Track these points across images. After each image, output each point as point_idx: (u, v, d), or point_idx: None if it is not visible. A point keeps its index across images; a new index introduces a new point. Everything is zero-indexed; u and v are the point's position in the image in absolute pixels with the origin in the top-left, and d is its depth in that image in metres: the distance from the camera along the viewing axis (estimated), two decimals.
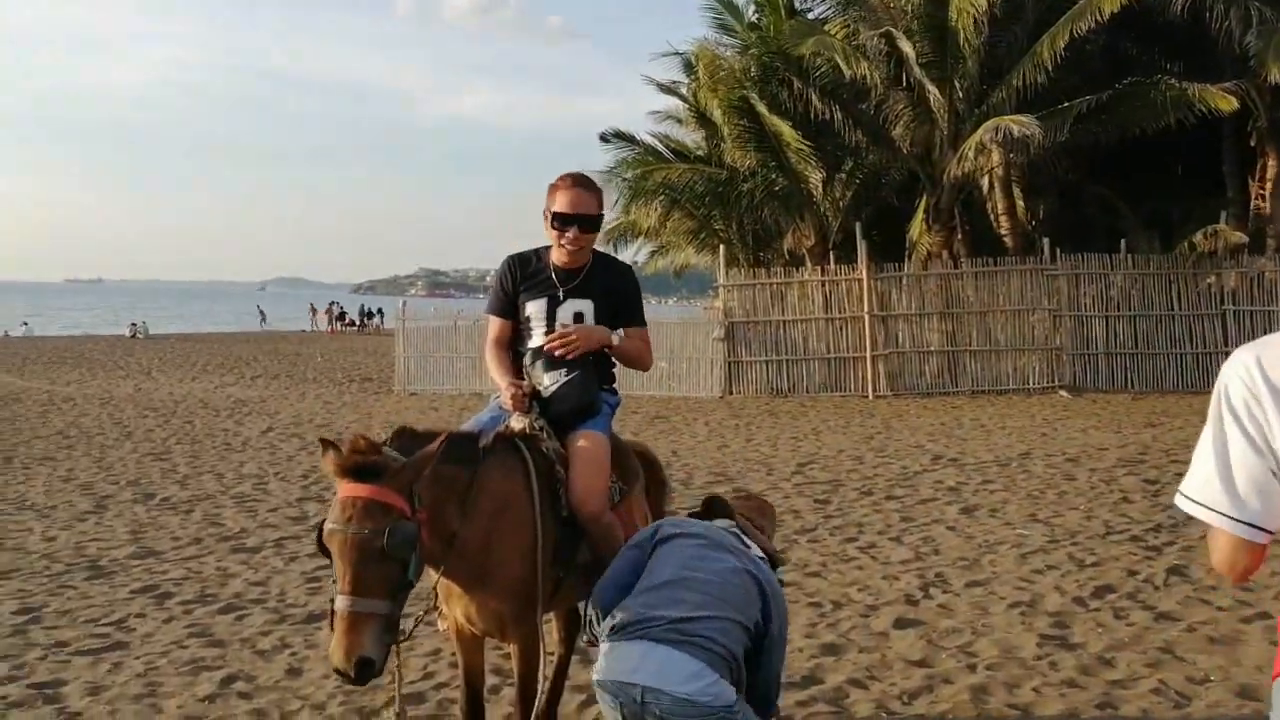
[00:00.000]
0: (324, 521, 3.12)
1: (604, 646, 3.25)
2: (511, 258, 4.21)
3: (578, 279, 4.07)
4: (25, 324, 53.35)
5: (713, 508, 3.93)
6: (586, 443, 3.87)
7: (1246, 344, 1.91)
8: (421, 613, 3.73)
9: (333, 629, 3.09)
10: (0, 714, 4.89)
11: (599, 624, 3.36)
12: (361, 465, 3.11)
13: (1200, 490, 1.90)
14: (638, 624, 3.20)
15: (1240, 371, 1.86)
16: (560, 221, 3.97)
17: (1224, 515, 1.86)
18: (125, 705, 4.98)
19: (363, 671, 3.03)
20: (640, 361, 4.25)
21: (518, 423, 3.90)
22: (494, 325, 4.20)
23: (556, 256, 4.08)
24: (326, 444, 3.26)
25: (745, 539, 3.66)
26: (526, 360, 4.06)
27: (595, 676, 3.20)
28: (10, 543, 8.32)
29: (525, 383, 3.94)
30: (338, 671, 3.06)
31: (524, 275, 4.13)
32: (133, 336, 46.26)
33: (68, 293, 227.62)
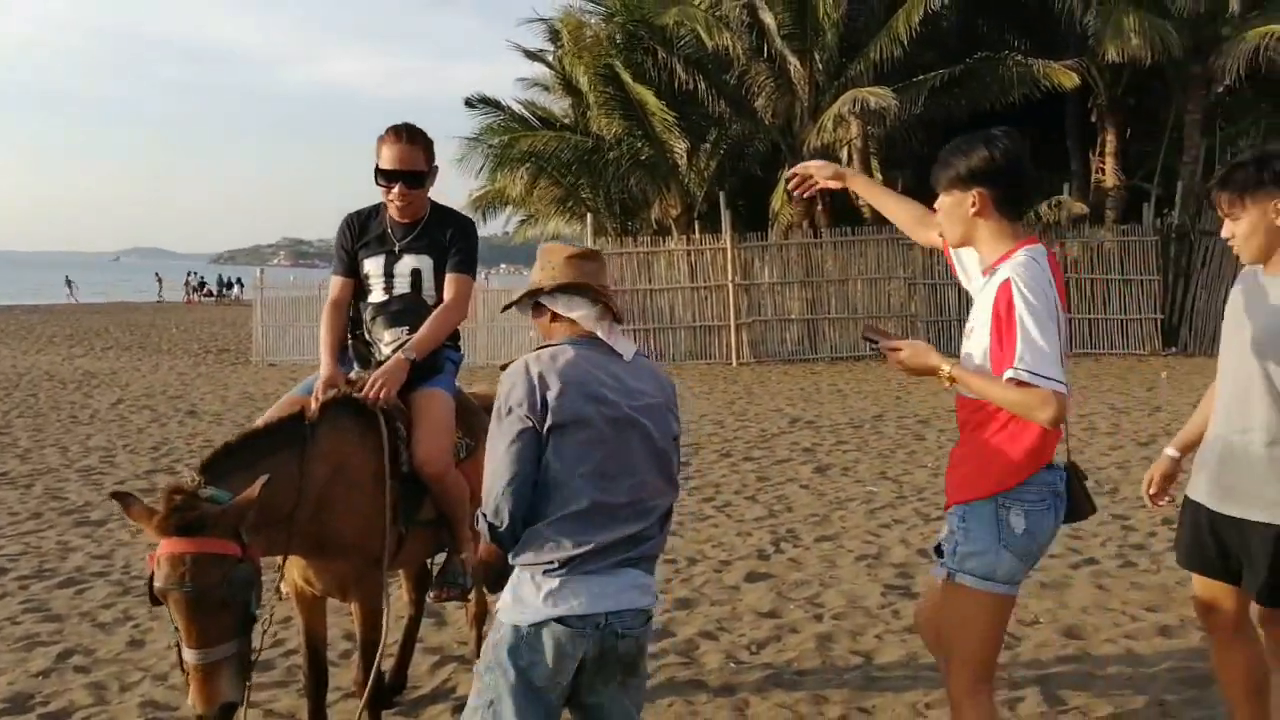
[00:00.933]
0: (152, 577, 3.00)
1: (560, 580, 2.62)
2: (350, 216, 4.16)
3: (413, 233, 4.04)
4: None
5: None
6: (429, 402, 3.86)
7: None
8: (268, 618, 3.57)
9: (185, 679, 3.05)
10: None
11: (501, 529, 2.69)
12: (184, 522, 2.98)
13: (1052, 369, 2.71)
14: (602, 552, 2.65)
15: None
16: (385, 178, 3.93)
17: (1063, 384, 2.71)
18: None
19: (225, 715, 3.03)
20: (454, 315, 4.03)
21: (356, 377, 3.87)
22: (334, 285, 4.15)
23: (392, 211, 4.04)
24: (122, 497, 3.11)
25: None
26: (366, 316, 4.03)
27: (556, 612, 2.60)
28: None
29: (338, 389, 3.79)
30: (200, 719, 3.03)
31: (362, 232, 4.09)
32: None
33: None
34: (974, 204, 2.92)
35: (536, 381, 2.62)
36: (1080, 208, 20.21)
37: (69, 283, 56.56)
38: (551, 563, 2.59)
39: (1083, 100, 21.89)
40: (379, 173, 3.92)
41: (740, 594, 5.89)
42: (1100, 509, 7.65)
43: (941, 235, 3.10)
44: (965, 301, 19.98)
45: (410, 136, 3.95)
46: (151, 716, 4.42)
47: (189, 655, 2.98)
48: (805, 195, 3.71)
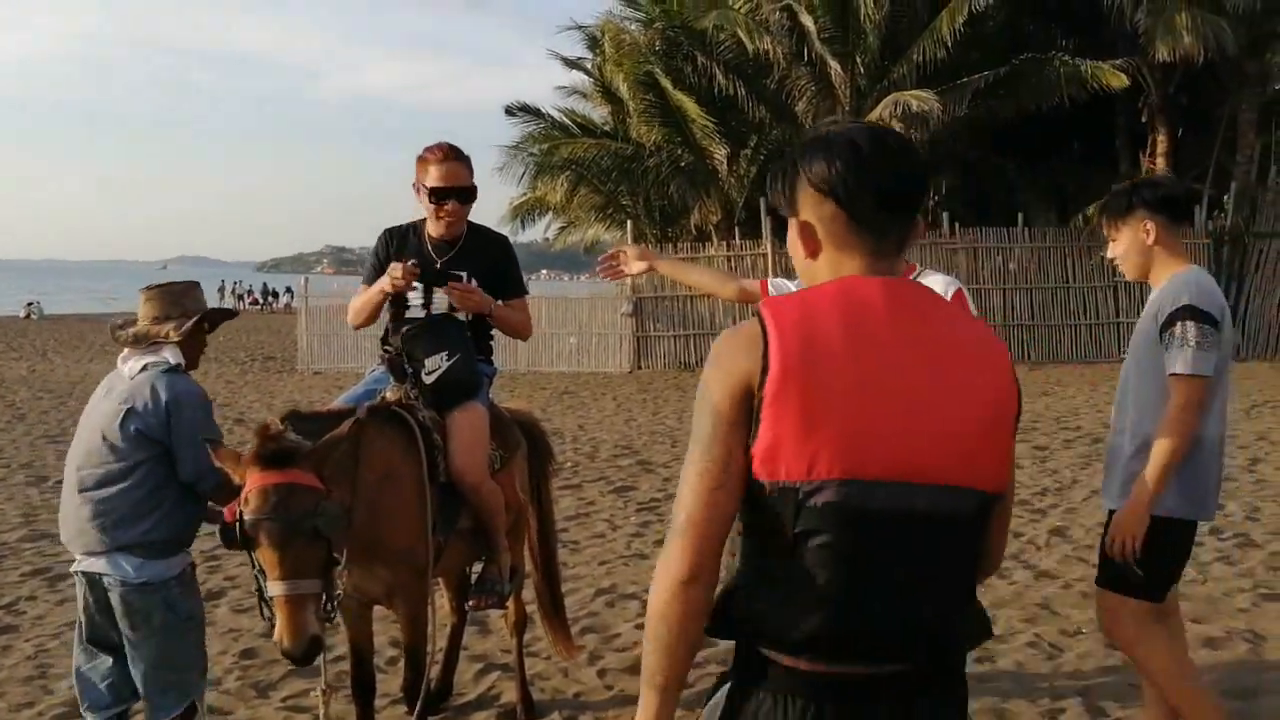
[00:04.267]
0: (230, 526, 3.04)
1: None
2: (387, 231, 4.20)
3: (454, 250, 4.07)
4: None
5: None
6: (466, 415, 3.89)
7: None
8: (340, 590, 3.61)
9: (266, 616, 3.11)
10: None
11: None
12: (277, 451, 3.07)
13: None
14: None
15: None
16: (437, 196, 3.96)
17: None
18: (14, 688, 4.89)
19: (312, 649, 3.05)
20: (521, 331, 4.28)
21: (392, 393, 3.92)
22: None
23: (433, 229, 4.07)
24: (211, 441, 3.24)
25: None
26: (401, 331, 4.02)
27: None
28: None
29: (411, 265, 3.90)
30: (288, 654, 3.05)
31: (400, 248, 4.12)
32: (27, 317, 44.46)
33: None
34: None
35: None
36: None
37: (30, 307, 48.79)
38: None
39: (1133, 100, 21.52)
40: (430, 191, 3.95)
41: None
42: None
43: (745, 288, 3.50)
44: (1009, 306, 19.91)
45: (456, 154, 3.98)
46: None
47: (276, 588, 3.01)
48: (612, 279, 3.82)
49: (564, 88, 26.80)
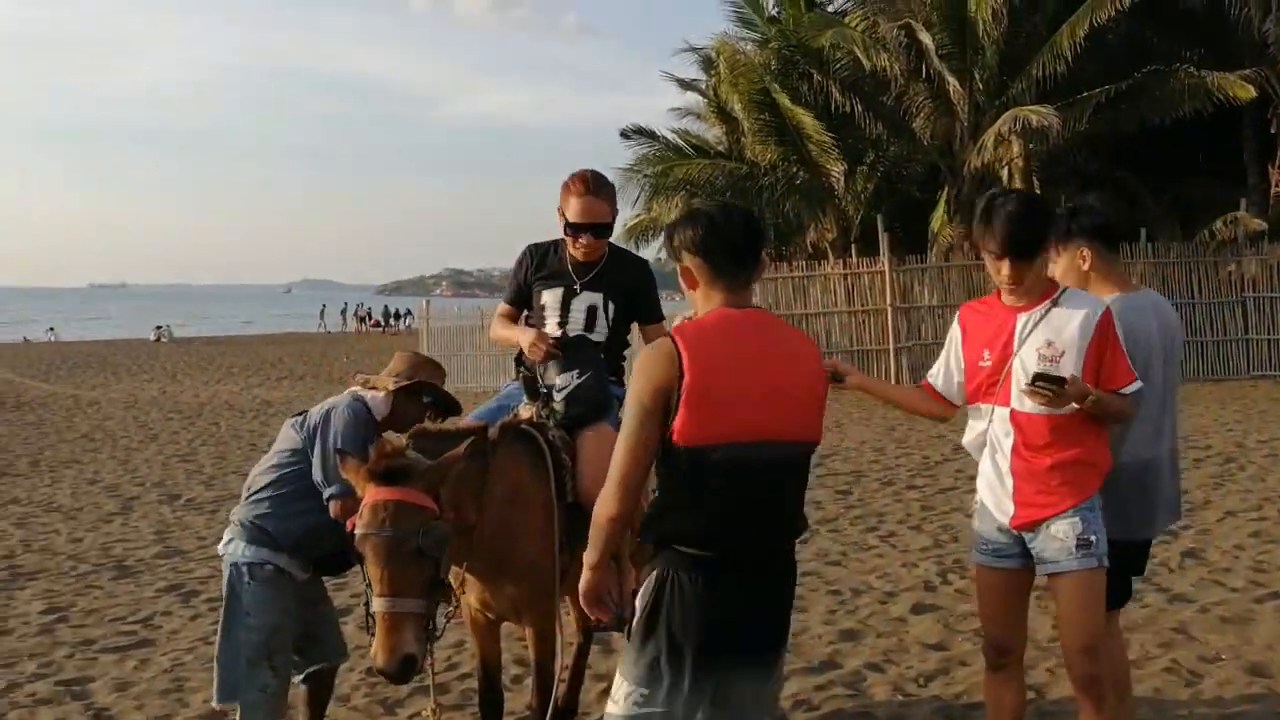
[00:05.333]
0: (353, 529, 3.16)
1: None
2: (530, 247, 4.29)
3: (593, 272, 4.15)
4: (51, 329, 53.49)
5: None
6: (595, 435, 3.92)
7: None
8: (452, 607, 3.74)
9: (370, 631, 3.16)
10: (29, 711, 4.96)
11: None
12: (391, 469, 3.15)
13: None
14: None
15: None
16: (574, 230, 4.05)
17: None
18: (152, 700, 5.06)
19: (405, 669, 3.09)
20: None
21: (525, 411, 3.97)
22: (502, 309, 4.32)
23: (574, 252, 4.16)
24: (341, 454, 3.36)
25: None
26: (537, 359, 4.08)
27: None
28: (38, 544, 8.43)
29: (548, 336, 4.02)
30: (381, 671, 3.11)
31: (540, 265, 4.20)
32: (157, 340, 46.04)
33: (92, 298, 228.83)
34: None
35: None
36: (1258, 224, 19.09)
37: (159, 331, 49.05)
38: None
39: (1261, 111, 20.70)
40: (568, 224, 4.03)
41: (907, 625, 5.77)
42: None
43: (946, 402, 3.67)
44: None
45: (596, 188, 4.06)
46: None
47: (377, 603, 3.08)
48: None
49: (678, 109, 27.00)
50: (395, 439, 3.36)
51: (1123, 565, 3.59)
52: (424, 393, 4.00)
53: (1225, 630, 5.45)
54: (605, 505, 2.66)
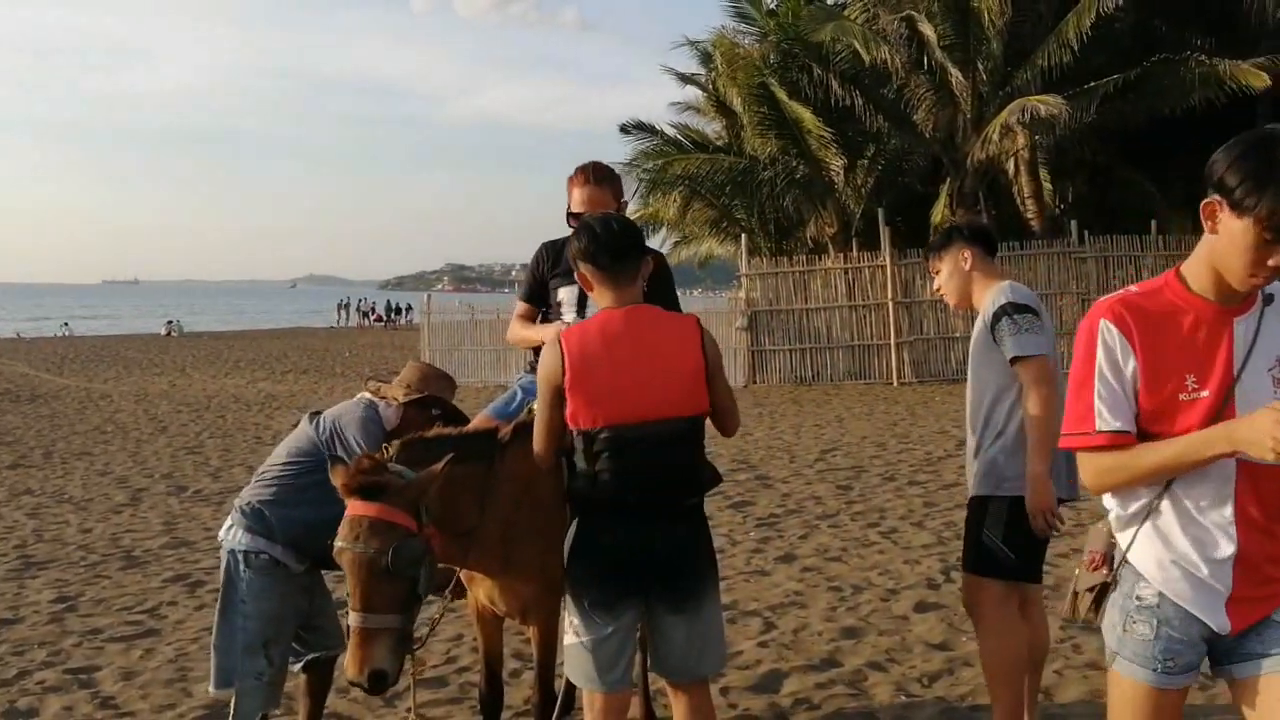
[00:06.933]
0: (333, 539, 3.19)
1: None
2: (546, 244, 4.22)
3: None
4: (65, 324, 53.76)
5: None
6: None
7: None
8: (438, 615, 3.78)
9: (347, 643, 3.20)
10: (38, 698, 5.00)
11: None
12: (365, 484, 3.16)
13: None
14: None
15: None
16: (577, 220, 4.00)
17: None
18: (157, 689, 5.10)
19: (376, 683, 3.12)
20: None
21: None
22: (520, 308, 4.24)
23: None
24: (334, 460, 3.37)
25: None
26: None
27: None
28: (49, 534, 8.51)
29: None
30: (351, 683, 3.16)
31: (556, 261, 4.16)
32: (168, 335, 46.63)
33: (106, 294, 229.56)
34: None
35: None
36: None
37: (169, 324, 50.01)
38: None
39: (1276, 99, 20.47)
40: (571, 215, 4.00)
41: (910, 624, 5.75)
42: None
43: None
44: None
45: (598, 178, 4.02)
46: None
47: (351, 617, 3.11)
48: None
49: (678, 103, 26.94)
50: (383, 451, 3.37)
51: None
52: (433, 405, 4.03)
53: None
54: (535, 458, 3.30)
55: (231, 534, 3.90)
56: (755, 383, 20.12)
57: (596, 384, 3.04)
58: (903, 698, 4.75)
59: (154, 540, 8.21)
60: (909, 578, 6.63)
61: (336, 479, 3.23)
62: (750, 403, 17.40)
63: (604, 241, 3.12)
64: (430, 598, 3.51)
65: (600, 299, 3.19)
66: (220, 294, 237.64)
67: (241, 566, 3.84)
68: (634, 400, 3.03)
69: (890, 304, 19.47)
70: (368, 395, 4.07)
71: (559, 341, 3.10)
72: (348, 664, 3.12)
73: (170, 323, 49.59)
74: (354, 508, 3.16)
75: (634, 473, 3.07)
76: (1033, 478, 3.62)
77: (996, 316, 3.74)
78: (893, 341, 19.52)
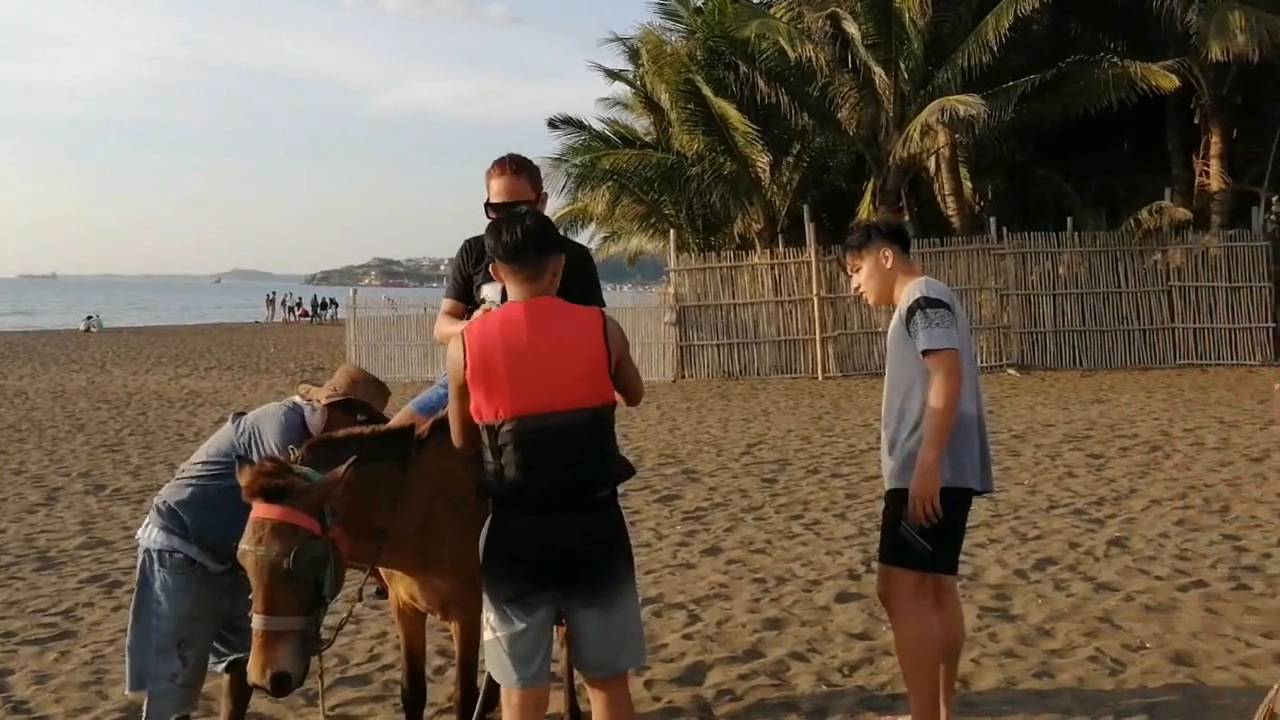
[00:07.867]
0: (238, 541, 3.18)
1: None
2: (468, 241, 4.17)
3: None
4: None
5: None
6: None
7: None
8: (345, 615, 3.81)
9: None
10: None
11: None
12: (268, 487, 3.16)
13: None
14: None
15: None
16: (496, 211, 3.98)
17: None
18: (72, 693, 4.99)
19: (278, 685, 3.12)
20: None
21: None
22: (447, 305, 4.18)
23: None
24: (241, 461, 3.36)
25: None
26: None
27: None
28: None
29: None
30: (255, 686, 3.16)
31: (479, 258, 4.13)
32: (87, 330, 45.44)
33: (22, 288, 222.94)
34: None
35: None
36: (1183, 213, 19.44)
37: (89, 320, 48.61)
38: None
39: (1184, 101, 21.07)
40: (489, 206, 3.98)
41: (831, 615, 5.84)
42: (1209, 528, 7.45)
43: None
44: (1059, 312, 19.70)
45: (516, 168, 3.99)
46: None
47: (255, 620, 3.12)
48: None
49: (606, 99, 26.88)
50: (288, 455, 3.38)
51: (961, 513, 3.88)
52: (357, 410, 4.01)
53: (1150, 619, 5.55)
54: (455, 445, 3.37)
55: (148, 533, 3.87)
56: (684, 377, 20.23)
57: (496, 377, 3.10)
58: (824, 687, 4.83)
59: (70, 540, 8.02)
60: (831, 569, 6.74)
61: (241, 480, 3.22)
62: (679, 397, 17.50)
63: (506, 241, 3.19)
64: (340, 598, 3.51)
65: (512, 294, 3.25)
66: (142, 289, 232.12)
67: (156, 566, 3.81)
68: (534, 392, 3.08)
69: (815, 299, 19.71)
70: (296, 398, 4.07)
71: (461, 336, 3.19)
72: (250, 667, 3.12)
73: (89, 318, 48.33)
74: (257, 510, 3.15)
75: (538, 465, 3.09)
76: (922, 465, 3.73)
77: (911, 311, 3.84)
78: (818, 336, 19.77)
